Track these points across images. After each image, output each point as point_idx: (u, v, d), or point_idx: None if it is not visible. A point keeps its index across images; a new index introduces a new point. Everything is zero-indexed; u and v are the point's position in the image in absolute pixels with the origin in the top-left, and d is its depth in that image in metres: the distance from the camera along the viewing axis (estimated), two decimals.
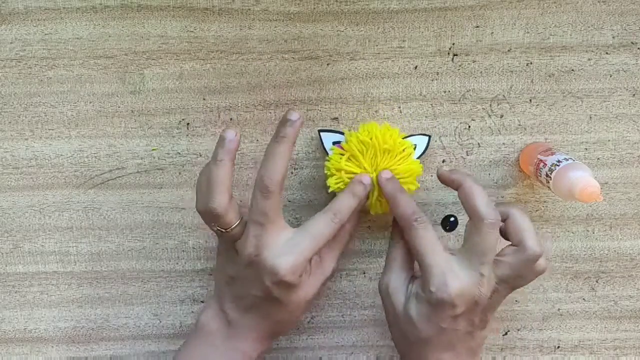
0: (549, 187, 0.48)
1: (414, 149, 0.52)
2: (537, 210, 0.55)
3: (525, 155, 0.53)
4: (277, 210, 0.46)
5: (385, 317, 0.50)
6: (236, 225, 0.47)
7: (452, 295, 0.44)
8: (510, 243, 0.47)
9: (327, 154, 0.52)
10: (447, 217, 0.50)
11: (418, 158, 0.52)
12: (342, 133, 0.52)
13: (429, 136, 0.53)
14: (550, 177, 0.47)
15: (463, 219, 0.55)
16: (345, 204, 0.48)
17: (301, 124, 0.46)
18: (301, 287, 0.47)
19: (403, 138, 0.52)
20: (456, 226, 0.50)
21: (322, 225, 0.47)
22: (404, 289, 0.48)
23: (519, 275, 0.47)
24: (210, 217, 0.47)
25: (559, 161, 0.47)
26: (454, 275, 0.45)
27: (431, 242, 0.46)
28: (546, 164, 0.48)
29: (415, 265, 0.49)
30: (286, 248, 0.46)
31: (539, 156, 0.49)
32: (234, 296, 0.48)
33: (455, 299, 0.44)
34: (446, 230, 0.51)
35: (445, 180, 0.49)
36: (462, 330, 0.46)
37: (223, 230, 0.47)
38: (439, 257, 0.46)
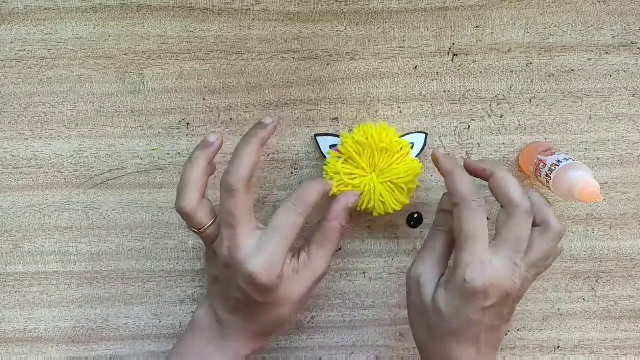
0: (548, 187, 0.48)
1: (412, 147, 0.52)
2: None
3: (525, 155, 0.53)
4: (245, 210, 0.45)
5: (408, 306, 0.48)
6: (209, 226, 0.46)
7: (486, 286, 0.43)
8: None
9: (325, 157, 0.52)
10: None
11: (416, 156, 0.52)
12: (339, 136, 0.52)
13: (426, 134, 0.53)
14: (550, 177, 0.47)
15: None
16: (306, 189, 0.47)
17: (274, 128, 0.47)
18: (283, 287, 0.46)
19: (400, 137, 0.52)
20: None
21: (284, 216, 0.46)
22: (435, 281, 0.47)
23: (547, 256, 0.46)
24: (182, 216, 0.47)
25: (559, 161, 0.47)
26: (490, 266, 0.43)
27: (482, 229, 0.44)
28: (546, 164, 0.48)
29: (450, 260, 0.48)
30: (257, 249, 0.45)
31: (539, 156, 0.49)
32: (220, 296, 0.48)
33: (489, 290, 0.43)
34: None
35: (474, 170, 0.47)
36: (489, 324, 0.45)
37: (195, 230, 0.47)
38: (481, 246, 0.44)
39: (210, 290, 0.50)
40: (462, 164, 0.47)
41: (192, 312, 0.57)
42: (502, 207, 0.45)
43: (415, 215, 0.53)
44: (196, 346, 0.49)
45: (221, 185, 0.45)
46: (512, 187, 0.45)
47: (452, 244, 0.47)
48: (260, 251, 0.45)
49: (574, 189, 0.44)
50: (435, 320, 0.46)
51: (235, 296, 0.47)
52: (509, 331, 0.47)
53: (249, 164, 0.45)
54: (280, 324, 0.49)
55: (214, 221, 0.47)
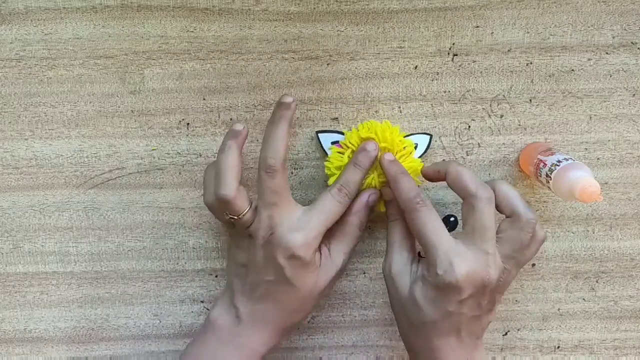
0: (549, 187, 0.48)
1: (415, 148, 0.52)
2: (537, 210, 0.55)
3: (525, 156, 0.53)
4: (286, 188, 0.48)
5: (390, 301, 0.49)
6: (247, 211, 0.47)
7: (459, 278, 0.44)
8: (504, 217, 0.47)
9: (327, 154, 0.52)
10: (448, 216, 0.50)
11: (420, 157, 0.52)
12: (340, 133, 0.52)
13: (430, 135, 0.53)
14: (550, 177, 0.47)
15: None
16: (349, 176, 0.48)
17: (295, 105, 0.48)
18: (314, 268, 0.48)
19: (404, 137, 0.52)
20: (457, 226, 0.50)
21: (328, 200, 0.48)
22: (407, 270, 0.48)
23: (522, 246, 0.46)
24: (220, 205, 0.47)
25: (559, 161, 0.47)
26: (460, 257, 0.44)
27: (434, 224, 0.46)
28: (546, 164, 0.48)
29: (417, 245, 0.49)
30: (297, 225, 0.47)
31: (539, 156, 0.49)
32: (246, 287, 0.48)
33: (462, 282, 0.44)
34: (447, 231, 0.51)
35: (430, 175, 0.49)
36: (468, 314, 0.46)
37: (235, 217, 0.47)
38: (443, 239, 0.45)
39: (233, 284, 0.49)
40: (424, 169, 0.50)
41: (192, 312, 0.57)
42: (463, 200, 0.46)
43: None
44: (210, 346, 0.49)
45: (260, 168, 0.47)
46: (466, 178, 0.46)
47: (409, 230, 0.49)
48: (301, 228, 0.47)
49: (574, 189, 0.44)
50: (413, 312, 0.46)
51: (267, 279, 0.47)
52: (490, 322, 0.48)
53: (284, 144, 0.47)
54: (300, 315, 0.50)
55: (251, 206, 0.48)
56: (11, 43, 0.52)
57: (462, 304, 0.45)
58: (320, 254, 0.49)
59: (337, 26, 0.52)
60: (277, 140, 0.47)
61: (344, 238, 0.50)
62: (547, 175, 0.47)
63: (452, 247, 0.44)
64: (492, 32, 0.52)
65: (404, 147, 0.51)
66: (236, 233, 0.49)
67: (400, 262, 0.48)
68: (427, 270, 0.46)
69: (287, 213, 0.47)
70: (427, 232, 0.45)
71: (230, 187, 0.46)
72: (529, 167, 0.51)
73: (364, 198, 0.50)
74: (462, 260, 0.44)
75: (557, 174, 0.46)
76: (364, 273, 0.56)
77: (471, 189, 0.45)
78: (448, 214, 0.51)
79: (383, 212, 0.51)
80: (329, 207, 0.48)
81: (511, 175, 0.54)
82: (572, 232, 0.56)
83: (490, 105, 0.54)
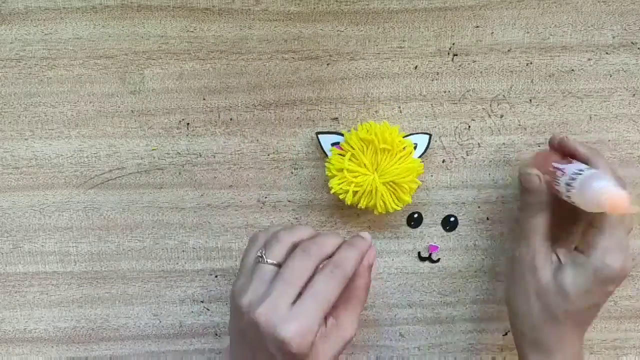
0: (567, 197, 0.45)
1: (415, 147, 0.52)
2: None
3: (537, 164, 0.50)
4: (307, 278, 0.43)
5: (513, 289, 0.49)
6: (275, 264, 0.44)
7: (623, 271, 0.44)
8: None
9: (327, 155, 0.52)
10: (448, 217, 0.50)
11: (419, 157, 0.52)
12: (340, 134, 0.52)
13: (430, 135, 0.53)
14: (571, 186, 0.44)
15: (463, 219, 0.55)
16: (345, 256, 0.44)
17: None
18: (312, 355, 0.43)
19: (403, 137, 0.52)
20: (456, 226, 0.50)
21: (322, 284, 0.43)
22: (549, 259, 0.47)
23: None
24: (273, 241, 0.45)
25: (580, 170, 0.44)
26: (626, 252, 0.45)
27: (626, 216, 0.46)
28: (565, 172, 0.45)
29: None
30: (291, 316, 0.41)
31: (554, 164, 0.47)
32: (246, 354, 0.45)
33: (622, 276, 0.45)
34: (446, 230, 0.51)
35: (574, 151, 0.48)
36: (601, 308, 0.47)
37: (264, 257, 0.44)
38: (622, 232, 0.45)
39: (234, 353, 0.46)
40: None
41: (192, 312, 0.57)
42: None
43: (415, 215, 0.53)
44: None
45: (301, 246, 0.44)
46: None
47: (550, 221, 0.48)
48: (295, 317, 0.41)
49: (602, 200, 0.41)
50: (554, 300, 0.46)
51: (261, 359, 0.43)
52: (501, 335, 0.49)
53: (336, 243, 0.46)
54: None
55: (279, 265, 0.44)
56: (11, 43, 0.52)
57: (606, 296, 0.46)
58: (326, 325, 0.44)
59: (337, 26, 0.52)
60: (330, 238, 0.45)
61: (351, 303, 0.46)
62: (567, 185, 0.44)
63: (624, 240, 0.45)
64: (492, 32, 0.52)
65: (404, 147, 0.51)
66: (244, 289, 0.44)
67: (545, 250, 0.47)
68: (588, 259, 0.45)
69: (292, 298, 0.42)
70: (615, 219, 0.45)
71: (324, 251, 0.44)
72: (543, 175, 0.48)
73: (366, 262, 0.46)
74: (628, 254, 0.45)
75: (581, 184, 0.43)
76: None
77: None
78: (448, 214, 0.51)
79: (381, 213, 0.51)
80: (324, 289, 0.42)
81: (511, 175, 0.54)
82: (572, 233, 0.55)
83: (490, 105, 0.54)
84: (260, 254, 0.44)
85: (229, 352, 0.47)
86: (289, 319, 0.41)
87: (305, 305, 0.42)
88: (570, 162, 0.47)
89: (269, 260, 0.44)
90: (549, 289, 0.46)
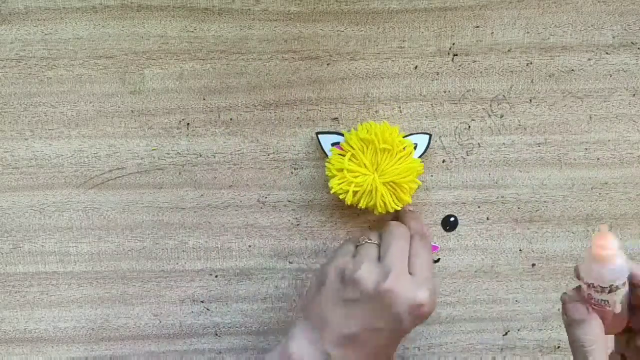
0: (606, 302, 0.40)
1: (415, 148, 0.52)
2: (537, 211, 0.55)
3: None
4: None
5: None
6: (375, 242, 0.50)
7: None
8: None
9: (327, 155, 0.52)
10: (448, 217, 0.50)
11: (419, 157, 0.52)
12: (341, 134, 0.52)
13: (430, 135, 0.53)
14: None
15: (463, 219, 0.55)
16: (418, 225, 0.51)
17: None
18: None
19: (404, 137, 0.52)
20: (456, 226, 0.50)
21: (423, 251, 0.49)
22: None
23: None
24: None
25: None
26: None
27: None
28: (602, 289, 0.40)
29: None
30: (423, 282, 0.47)
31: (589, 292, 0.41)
32: (345, 329, 0.46)
33: None
34: (446, 230, 0.51)
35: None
36: None
37: (368, 239, 0.49)
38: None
39: (327, 327, 0.46)
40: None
41: (192, 312, 0.57)
42: None
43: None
44: None
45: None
46: None
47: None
48: (423, 282, 0.46)
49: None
50: None
51: (376, 326, 0.45)
52: (501, 335, 0.47)
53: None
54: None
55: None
56: (11, 43, 0.52)
57: None
58: None
59: (337, 26, 0.52)
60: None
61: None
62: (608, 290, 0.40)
63: None
64: (492, 32, 0.52)
65: (404, 147, 0.51)
66: (350, 266, 0.47)
67: None
68: None
69: (407, 273, 0.47)
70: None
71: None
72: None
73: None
74: None
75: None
76: None
77: None
78: (448, 214, 0.51)
79: (381, 213, 0.51)
80: (426, 255, 0.49)
81: (511, 176, 0.54)
82: (572, 232, 0.56)
83: (490, 105, 0.54)
84: (363, 241, 0.49)
85: (314, 331, 0.46)
86: (421, 285, 0.46)
87: (424, 271, 0.47)
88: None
89: (374, 241, 0.49)
90: None
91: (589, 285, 0.40)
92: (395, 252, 0.47)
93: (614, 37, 0.52)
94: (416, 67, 0.53)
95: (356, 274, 0.46)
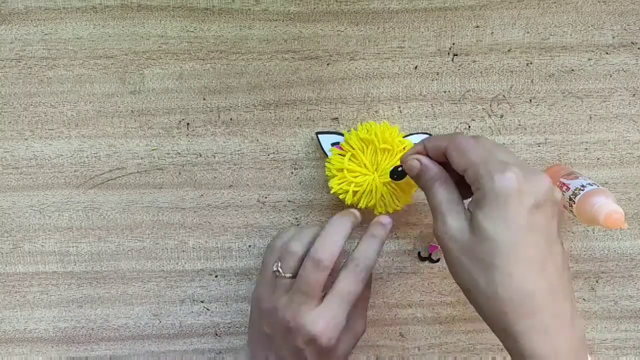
0: (571, 211, 0.48)
1: None
2: None
3: None
4: (322, 284, 0.46)
5: (451, 261, 0.42)
6: (291, 276, 0.47)
7: (518, 181, 0.39)
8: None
9: (327, 155, 0.52)
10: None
11: None
12: (341, 134, 0.52)
13: (430, 135, 0.53)
14: (574, 201, 0.47)
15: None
16: (365, 249, 0.47)
17: (391, 227, 0.48)
18: (334, 351, 0.47)
19: (403, 137, 0.52)
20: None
21: (346, 283, 0.46)
22: (462, 217, 0.41)
23: None
24: (285, 254, 0.47)
25: (582, 186, 0.47)
26: (512, 168, 0.39)
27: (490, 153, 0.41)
28: (569, 188, 0.48)
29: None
30: (319, 314, 0.45)
31: (561, 179, 0.49)
32: (268, 357, 0.48)
33: (522, 186, 0.39)
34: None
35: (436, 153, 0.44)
36: (544, 231, 0.39)
37: (280, 271, 0.47)
38: (495, 159, 0.40)
39: (256, 353, 0.49)
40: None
41: (192, 312, 0.57)
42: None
43: (400, 169, 0.48)
44: None
45: (310, 257, 0.45)
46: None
47: (452, 188, 0.44)
48: (322, 316, 0.45)
49: (598, 214, 0.44)
50: (484, 247, 0.39)
51: (284, 357, 0.47)
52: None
53: (341, 242, 0.46)
54: None
55: (294, 275, 0.47)
56: (11, 43, 0.52)
57: (532, 214, 0.39)
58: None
59: (337, 26, 0.52)
60: (335, 238, 0.46)
61: (359, 304, 0.49)
62: (570, 199, 0.47)
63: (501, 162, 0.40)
64: (492, 32, 0.52)
65: (404, 147, 0.51)
66: (265, 297, 0.48)
67: (456, 216, 0.42)
68: (481, 192, 0.40)
69: (314, 305, 0.45)
70: (482, 157, 0.40)
71: (332, 256, 0.45)
72: None
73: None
74: (515, 169, 0.39)
75: (581, 199, 0.46)
76: None
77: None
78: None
79: (381, 213, 0.51)
80: (348, 288, 0.46)
81: None
82: (572, 232, 0.56)
83: (490, 105, 0.54)
84: (275, 269, 0.47)
85: (247, 353, 0.50)
86: (318, 317, 0.45)
87: (332, 303, 0.46)
88: (577, 178, 0.48)
89: (286, 275, 0.46)
90: (473, 239, 0.40)
91: None
92: (304, 287, 0.45)
93: (614, 37, 0.52)
94: (416, 67, 0.53)
95: (264, 304, 0.47)
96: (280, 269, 0.47)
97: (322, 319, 0.45)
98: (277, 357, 0.47)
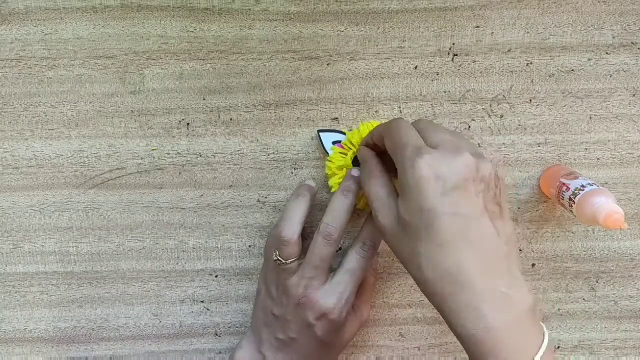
0: (571, 211, 0.48)
1: None
2: (537, 210, 0.55)
3: (546, 177, 0.53)
4: (331, 259, 0.49)
5: (398, 248, 0.42)
6: (294, 260, 0.49)
7: (429, 165, 0.40)
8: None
9: (328, 153, 0.52)
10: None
11: None
12: (342, 132, 0.52)
13: None
14: (573, 201, 0.47)
15: None
16: (371, 230, 0.49)
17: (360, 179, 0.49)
18: (343, 328, 0.49)
19: None
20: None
21: (355, 259, 0.49)
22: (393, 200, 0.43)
23: None
24: (275, 243, 0.49)
25: (582, 186, 0.47)
26: (427, 153, 0.40)
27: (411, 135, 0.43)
28: (569, 188, 0.48)
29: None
30: (329, 288, 0.48)
31: (561, 179, 0.49)
32: (275, 338, 0.50)
33: (434, 166, 0.40)
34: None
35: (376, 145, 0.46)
36: (470, 213, 0.39)
37: (282, 260, 0.49)
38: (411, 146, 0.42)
39: (262, 332, 0.51)
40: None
41: (192, 312, 0.57)
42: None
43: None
44: None
45: (319, 232, 0.48)
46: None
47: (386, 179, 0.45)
48: (333, 291, 0.48)
49: (598, 214, 0.44)
50: (408, 239, 0.40)
51: (298, 335, 0.49)
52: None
53: (347, 217, 0.49)
54: None
55: (299, 257, 0.50)
56: (11, 43, 0.52)
57: (446, 196, 0.39)
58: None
59: (337, 26, 0.52)
60: (341, 212, 0.48)
61: (366, 290, 0.53)
62: (570, 199, 0.48)
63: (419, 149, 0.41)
64: (492, 32, 0.52)
65: None
66: (272, 280, 0.50)
67: (387, 213, 0.42)
68: (399, 183, 0.41)
69: (325, 280, 0.49)
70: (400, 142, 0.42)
71: (294, 232, 0.48)
72: (551, 189, 0.51)
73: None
74: (428, 155, 0.40)
75: (581, 199, 0.46)
76: None
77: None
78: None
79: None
80: (356, 265, 0.49)
81: (511, 176, 0.54)
82: (572, 232, 0.56)
83: (490, 105, 0.54)
84: (276, 258, 0.49)
85: (251, 340, 0.51)
86: (329, 291, 0.48)
87: (341, 277, 0.49)
88: (576, 178, 0.48)
89: (287, 262, 0.49)
90: (401, 231, 0.41)
91: None
92: (315, 261, 0.48)
93: (614, 37, 0.52)
94: (416, 67, 0.53)
95: (289, 281, 0.49)
96: (280, 258, 0.49)
97: (333, 294, 0.48)
98: (286, 337, 0.49)
